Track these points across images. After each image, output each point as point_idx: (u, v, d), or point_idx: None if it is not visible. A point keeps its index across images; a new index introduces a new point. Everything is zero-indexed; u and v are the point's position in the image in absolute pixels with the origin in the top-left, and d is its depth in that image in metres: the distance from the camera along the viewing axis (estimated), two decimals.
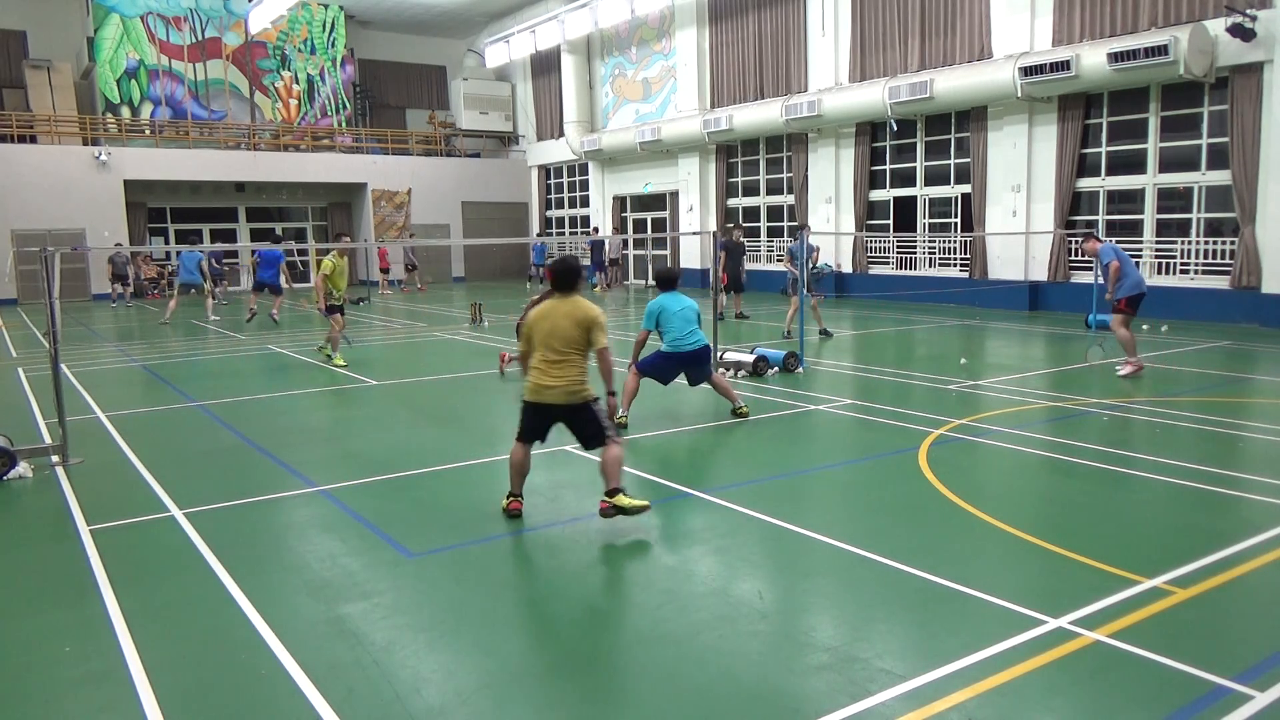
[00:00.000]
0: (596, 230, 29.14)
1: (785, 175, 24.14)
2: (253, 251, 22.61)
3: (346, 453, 7.71)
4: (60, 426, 7.37)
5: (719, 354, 10.98)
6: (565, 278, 5.76)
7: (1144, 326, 14.79)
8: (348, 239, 13.31)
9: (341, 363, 12.35)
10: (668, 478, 6.60)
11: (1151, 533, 5.44)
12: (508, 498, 5.83)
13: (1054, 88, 16.91)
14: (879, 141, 21.53)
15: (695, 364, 8.54)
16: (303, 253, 30.92)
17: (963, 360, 11.81)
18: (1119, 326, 10.50)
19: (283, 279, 19.59)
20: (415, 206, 31.70)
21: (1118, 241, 17.21)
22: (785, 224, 24.45)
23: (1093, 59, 15.93)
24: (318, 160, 30.56)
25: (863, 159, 21.56)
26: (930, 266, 21.02)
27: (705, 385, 8.81)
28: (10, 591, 4.81)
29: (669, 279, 8.70)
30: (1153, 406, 8.82)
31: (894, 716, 3.36)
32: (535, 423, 5.75)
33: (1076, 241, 17.82)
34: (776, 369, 11.02)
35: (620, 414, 7.77)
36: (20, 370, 12.55)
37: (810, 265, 14.03)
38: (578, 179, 32.22)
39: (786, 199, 24.18)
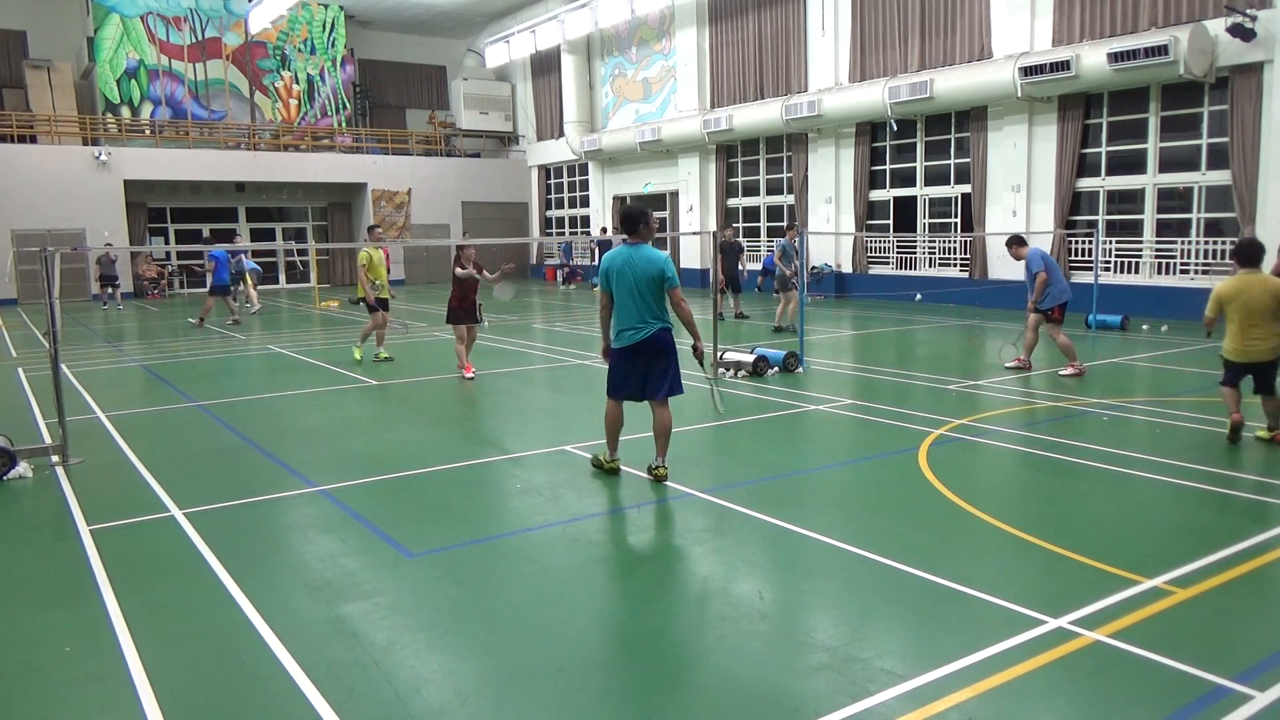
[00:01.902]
0: (604, 230, 29.14)
1: (785, 175, 24.14)
2: (206, 254, 21.49)
3: (346, 453, 7.71)
4: (60, 426, 7.37)
5: (719, 354, 10.98)
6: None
7: (1144, 326, 14.80)
8: (380, 230, 13.41)
9: (384, 356, 12.61)
10: (670, 478, 6.59)
11: (1151, 533, 5.43)
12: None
13: (1054, 88, 16.91)
14: (879, 141, 21.53)
15: (647, 360, 6.27)
16: (303, 253, 30.99)
17: (969, 342, 11.89)
18: (1056, 335, 10.63)
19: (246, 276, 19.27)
20: (415, 206, 31.70)
21: (1118, 243, 17.27)
22: (785, 224, 24.46)
23: (1093, 59, 15.93)
24: (318, 160, 30.57)
25: (863, 159, 21.56)
26: (930, 266, 21.03)
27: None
28: (10, 591, 4.81)
29: (631, 219, 6.31)
30: (1153, 406, 8.82)
31: (894, 716, 3.36)
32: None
33: (1075, 242, 17.84)
34: (776, 369, 11.02)
35: (606, 455, 6.66)
36: (20, 370, 12.55)
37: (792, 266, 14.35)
38: (578, 179, 32.22)
39: (786, 199, 24.18)
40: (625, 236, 6.37)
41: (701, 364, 6.71)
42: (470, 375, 11.03)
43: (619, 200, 29.99)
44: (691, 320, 6.37)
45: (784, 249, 15.45)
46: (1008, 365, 11.01)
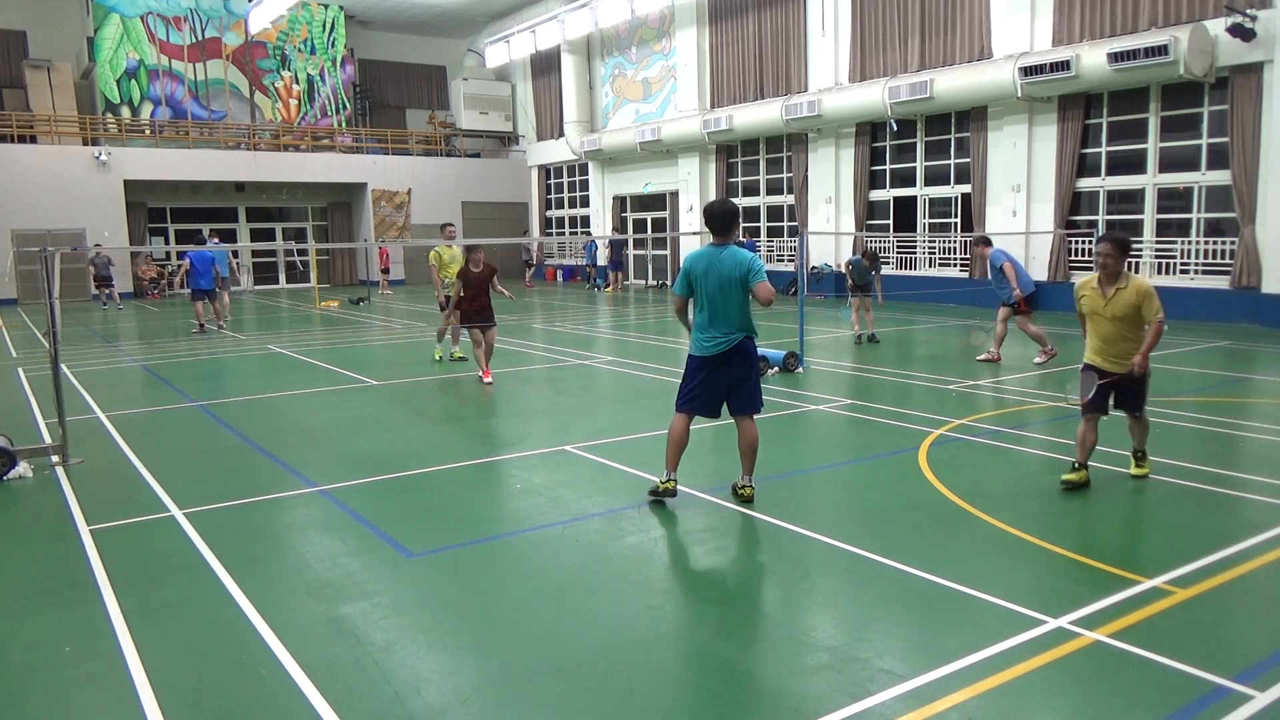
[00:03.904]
0: (614, 230, 29.14)
1: (785, 175, 24.14)
2: (180, 254, 20.34)
3: (346, 453, 7.71)
4: (60, 426, 7.37)
5: None
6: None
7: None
8: (452, 228, 13.25)
9: (459, 355, 12.36)
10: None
11: (1151, 533, 5.44)
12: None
13: (1054, 88, 16.91)
14: (879, 141, 21.53)
15: (730, 371, 5.85)
16: (303, 253, 31.00)
17: (972, 334, 11.94)
18: (1026, 325, 11.40)
19: (230, 274, 18.20)
20: (415, 206, 31.70)
21: None
22: (785, 224, 24.47)
23: (1093, 59, 15.93)
24: (318, 160, 30.57)
25: (863, 159, 21.56)
26: (930, 266, 21.03)
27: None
28: (10, 591, 4.81)
29: (727, 217, 5.83)
30: (1153, 406, 8.79)
31: (894, 716, 3.36)
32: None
33: (1075, 242, 17.84)
34: (776, 369, 11.01)
35: (664, 477, 6.00)
36: (20, 370, 12.55)
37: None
38: (578, 179, 32.22)
39: (786, 199, 24.18)
40: (714, 240, 5.85)
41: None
42: (489, 380, 10.68)
43: (619, 201, 30.02)
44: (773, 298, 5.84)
45: (854, 264, 14.89)
46: (979, 359, 11.61)
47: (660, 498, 5.93)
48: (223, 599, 4.57)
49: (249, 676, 3.79)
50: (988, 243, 11.77)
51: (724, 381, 5.87)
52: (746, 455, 6.00)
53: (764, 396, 6.11)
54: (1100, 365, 6.13)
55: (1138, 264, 17.10)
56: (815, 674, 3.71)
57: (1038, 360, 11.25)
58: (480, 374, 10.82)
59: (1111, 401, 6.18)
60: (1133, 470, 6.35)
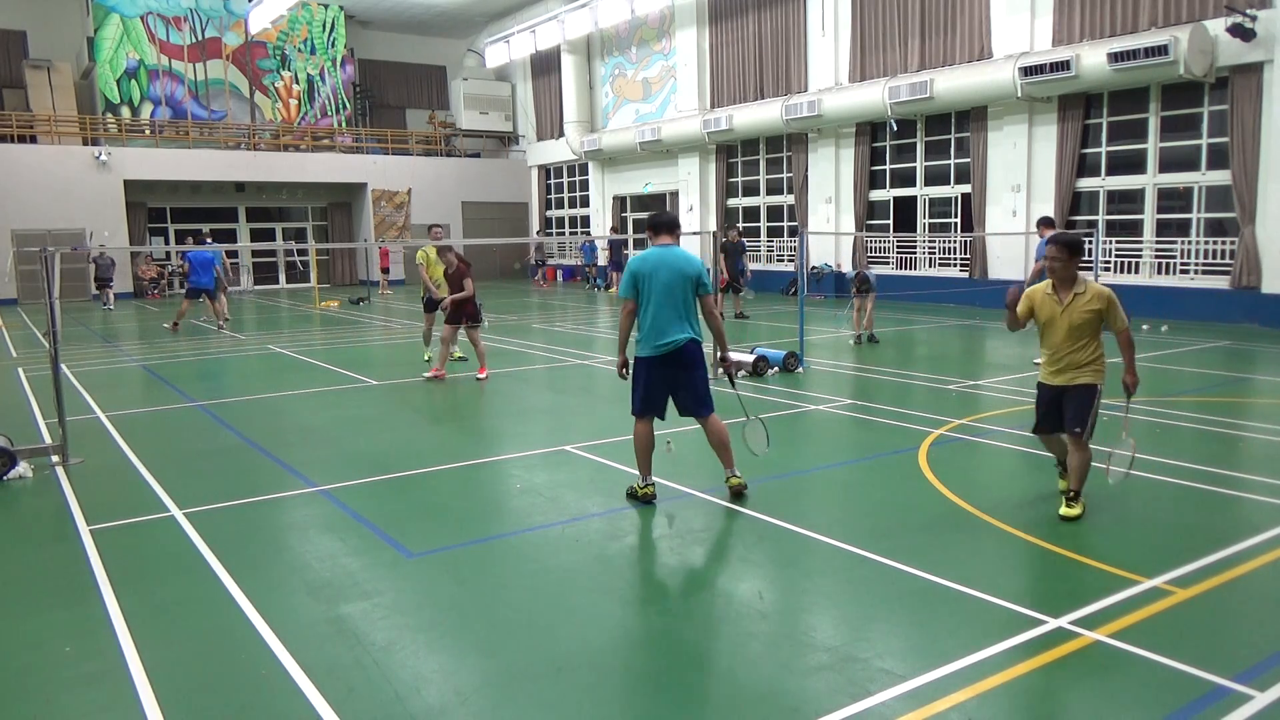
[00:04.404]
0: (615, 230, 29.12)
1: (785, 175, 24.14)
2: (181, 255, 20.59)
3: (346, 453, 7.71)
4: (60, 426, 7.37)
5: (719, 354, 10.96)
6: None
7: (1144, 326, 14.79)
8: (439, 229, 13.35)
9: (458, 355, 12.44)
10: (667, 478, 6.59)
11: (1151, 533, 5.43)
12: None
13: (1054, 88, 16.91)
14: (879, 141, 21.53)
15: (677, 373, 5.87)
16: (303, 253, 30.99)
17: (978, 322, 11.92)
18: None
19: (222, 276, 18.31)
20: (415, 206, 31.70)
21: (1118, 243, 17.29)
22: (785, 224, 24.47)
23: (1093, 59, 15.93)
24: (318, 160, 30.57)
25: (863, 159, 21.55)
26: (930, 266, 21.02)
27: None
28: (10, 591, 4.81)
29: (670, 222, 6.02)
30: (1153, 406, 8.81)
31: (894, 716, 3.36)
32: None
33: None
34: (776, 369, 11.01)
35: (641, 482, 6.03)
36: (20, 370, 12.55)
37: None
38: (578, 179, 32.22)
39: (786, 199, 24.18)
40: (660, 239, 5.93)
41: (732, 380, 6.43)
42: (442, 377, 10.89)
43: (619, 201, 30.02)
44: (723, 331, 6.14)
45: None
46: (1037, 362, 10.89)
47: (641, 502, 5.93)
48: (223, 599, 4.57)
49: (249, 676, 3.78)
50: (1050, 224, 11.73)
51: (670, 382, 5.88)
52: (720, 450, 6.06)
53: (764, 396, 6.10)
54: (1044, 379, 5.70)
55: (1137, 264, 17.11)
56: (815, 674, 3.71)
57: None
58: (437, 373, 11.07)
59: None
60: (1061, 510, 5.51)
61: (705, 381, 5.96)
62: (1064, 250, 5.44)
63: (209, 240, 23.12)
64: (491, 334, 15.73)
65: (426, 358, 12.54)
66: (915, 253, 21.35)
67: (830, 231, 22.08)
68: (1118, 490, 6.21)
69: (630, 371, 6.01)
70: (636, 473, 6.32)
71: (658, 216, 6.04)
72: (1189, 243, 16.36)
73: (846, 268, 22.41)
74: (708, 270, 5.94)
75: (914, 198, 21.00)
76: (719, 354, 6.18)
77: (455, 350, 12.51)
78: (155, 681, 3.74)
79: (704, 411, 5.97)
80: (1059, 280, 5.50)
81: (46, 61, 28.04)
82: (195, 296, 17.62)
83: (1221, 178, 15.65)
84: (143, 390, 11.29)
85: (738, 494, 5.98)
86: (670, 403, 5.99)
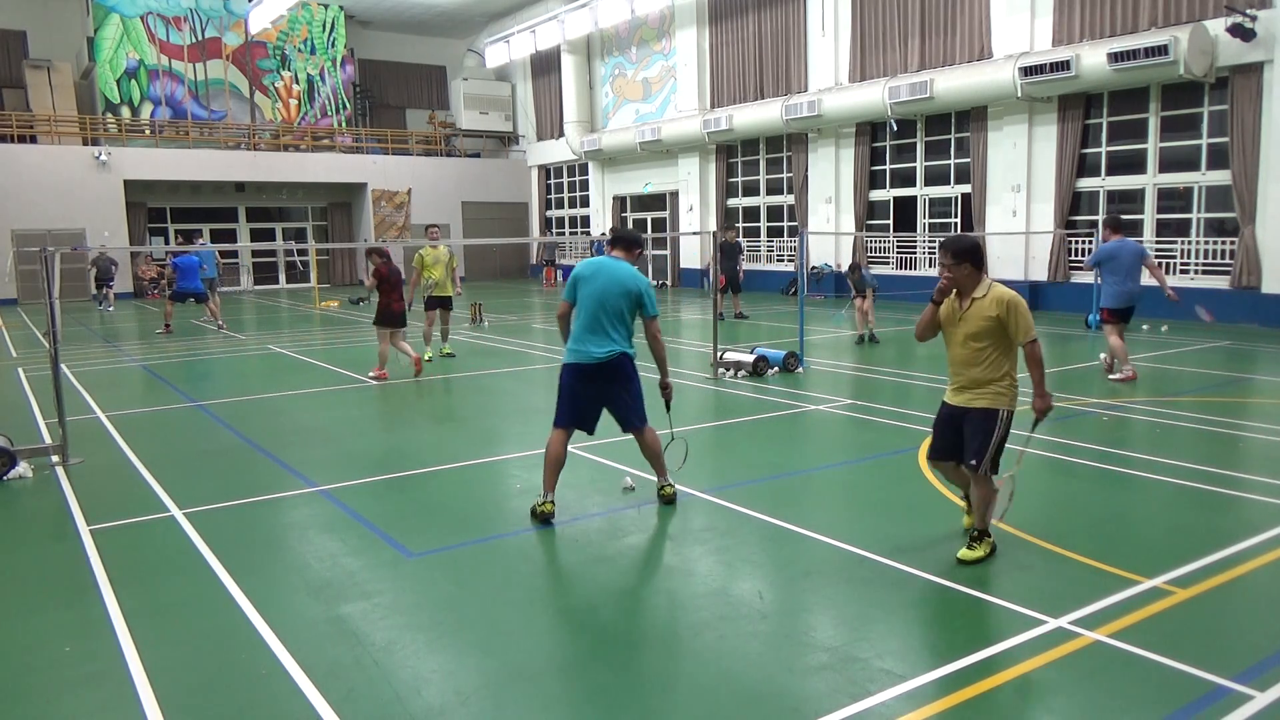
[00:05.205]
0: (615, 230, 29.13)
1: (785, 175, 24.14)
2: (168, 260, 20.60)
3: (346, 453, 7.71)
4: (60, 426, 7.37)
5: (719, 354, 10.99)
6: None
7: (1144, 326, 14.80)
8: (436, 229, 13.42)
9: (447, 351, 12.90)
10: (670, 477, 6.58)
11: (1151, 533, 5.43)
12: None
13: (1054, 88, 16.91)
14: (879, 141, 21.53)
15: (605, 387, 5.70)
16: (303, 253, 30.99)
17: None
18: (1109, 335, 10.19)
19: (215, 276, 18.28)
20: (415, 206, 31.71)
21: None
22: (785, 224, 24.47)
23: (1093, 59, 15.93)
24: (318, 160, 30.58)
25: (863, 159, 21.56)
26: (930, 267, 21.02)
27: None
28: (10, 591, 4.81)
29: (633, 238, 5.93)
30: (1153, 406, 8.82)
31: (894, 716, 3.36)
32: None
33: (1075, 242, 17.84)
34: (776, 369, 11.02)
35: (541, 498, 5.71)
36: (20, 370, 12.55)
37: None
38: (578, 179, 32.22)
39: (786, 199, 24.18)
40: (614, 251, 5.84)
41: (668, 407, 6.19)
42: (382, 379, 10.99)
43: (619, 201, 30.01)
44: (665, 358, 5.88)
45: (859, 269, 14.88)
46: (1114, 379, 10.10)
47: (540, 521, 5.59)
48: (223, 599, 4.57)
49: (249, 676, 3.78)
50: (1116, 226, 10.40)
51: (597, 396, 5.72)
52: (652, 461, 5.95)
53: (764, 396, 6.10)
54: (945, 397, 5.04)
55: None
56: (815, 674, 3.71)
57: (1114, 378, 10.11)
58: (379, 373, 11.20)
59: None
60: (960, 553, 4.81)
61: (638, 396, 5.77)
62: (947, 254, 4.80)
63: (199, 241, 22.99)
64: (492, 334, 15.75)
65: (427, 358, 12.55)
66: (915, 253, 21.35)
67: (830, 231, 22.09)
68: (1118, 490, 6.21)
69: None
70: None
71: (619, 230, 6.17)
72: (1189, 243, 16.36)
73: (846, 268, 22.44)
74: (653, 296, 5.72)
75: (914, 198, 21.00)
76: (660, 379, 5.96)
77: (445, 346, 12.77)
78: (155, 681, 3.74)
79: (636, 423, 5.82)
80: (959, 290, 4.86)
81: (46, 61, 28.04)
82: (181, 300, 17.63)
83: (1221, 178, 15.66)
84: (143, 390, 11.29)
85: (668, 501, 5.92)
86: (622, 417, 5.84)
